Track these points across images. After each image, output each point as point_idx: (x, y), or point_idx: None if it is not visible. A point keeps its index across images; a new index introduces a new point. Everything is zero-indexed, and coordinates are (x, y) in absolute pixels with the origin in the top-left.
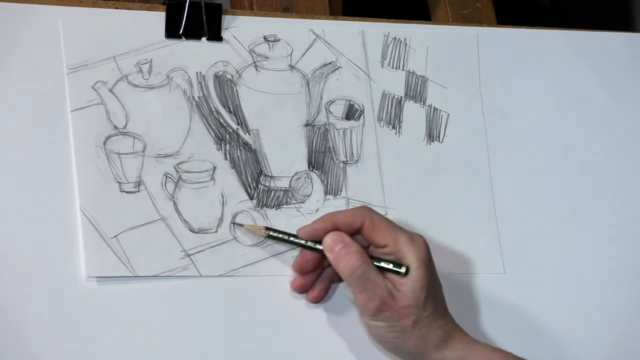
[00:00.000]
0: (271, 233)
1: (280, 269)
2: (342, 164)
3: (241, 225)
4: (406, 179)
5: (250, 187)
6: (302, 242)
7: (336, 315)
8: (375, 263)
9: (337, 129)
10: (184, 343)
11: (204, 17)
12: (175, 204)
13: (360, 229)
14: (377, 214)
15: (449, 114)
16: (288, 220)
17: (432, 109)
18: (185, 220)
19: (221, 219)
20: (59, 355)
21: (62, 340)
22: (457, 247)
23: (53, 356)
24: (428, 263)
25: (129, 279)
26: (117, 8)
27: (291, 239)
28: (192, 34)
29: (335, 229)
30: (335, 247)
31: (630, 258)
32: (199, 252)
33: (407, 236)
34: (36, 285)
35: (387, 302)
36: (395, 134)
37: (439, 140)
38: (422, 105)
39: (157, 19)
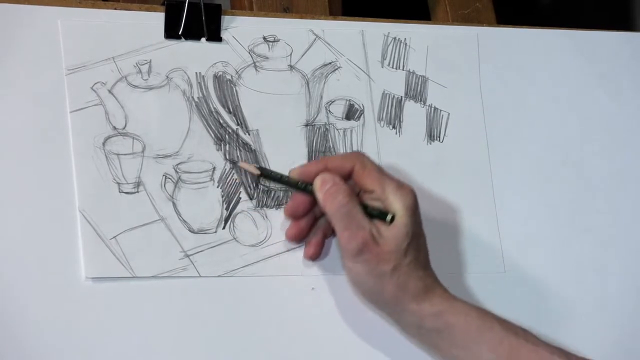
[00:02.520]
0: (265, 171)
1: (280, 269)
2: None
3: (236, 162)
4: (406, 178)
5: (250, 187)
6: (295, 182)
7: (337, 316)
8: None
9: (337, 129)
10: (183, 343)
11: (204, 18)
12: (174, 204)
13: (351, 173)
14: (369, 159)
15: (449, 114)
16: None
17: (433, 108)
18: (184, 221)
19: (221, 220)
20: (57, 356)
21: (61, 341)
22: (458, 247)
23: (52, 356)
24: (414, 212)
25: (128, 279)
26: (116, 9)
27: (284, 178)
28: (192, 34)
29: (327, 171)
30: (324, 186)
31: (630, 258)
32: (198, 252)
33: (396, 184)
34: (35, 285)
35: (368, 245)
36: (396, 133)
37: (439, 140)
38: (422, 105)
39: (156, 19)
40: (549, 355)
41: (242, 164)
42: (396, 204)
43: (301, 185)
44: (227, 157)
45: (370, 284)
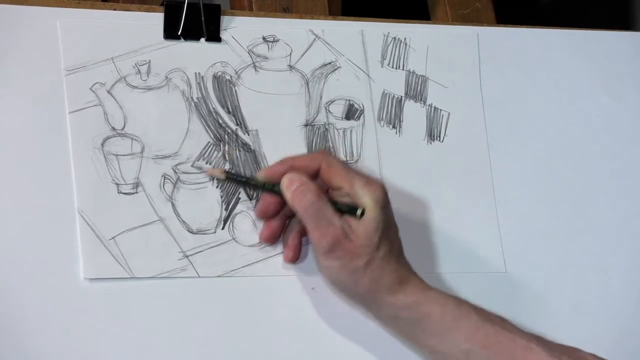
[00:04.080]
0: (230, 175)
1: (280, 269)
2: None
3: (200, 168)
4: (406, 178)
5: (249, 187)
6: (261, 184)
7: (336, 316)
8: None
9: (337, 129)
10: (183, 344)
11: (203, 18)
12: (173, 205)
13: (318, 171)
14: (335, 157)
15: (449, 114)
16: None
17: (433, 108)
18: (183, 221)
19: (220, 220)
20: (56, 356)
21: (60, 342)
22: (458, 246)
23: (51, 357)
24: (383, 206)
25: (127, 280)
26: (115, 9)
27: (250, 181)
28: (191, 34)
29: (293, 170)
30: (291, 186)
31: (631, 257)
32: (197, 253)
33: (364, 180)
34: (34, 286)
35: (340, 241)
36: (396, 133)
37: (439, 140)
38: (422, 105)
39: (156, 20)
40: (526, 343)
41: (209, 171)
42: (365, 199)
43: (268, 186)
44: (226, 157)
45: (345, 280)
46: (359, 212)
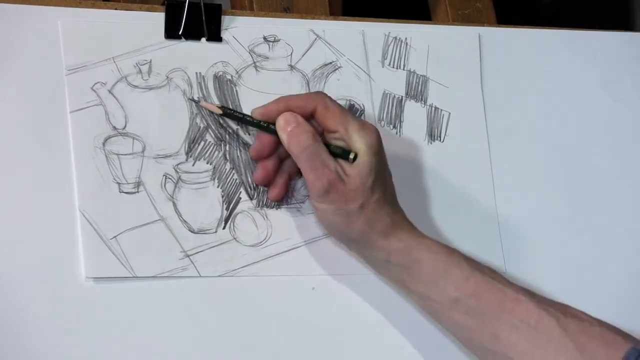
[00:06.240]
0: (227, 110)
1: (280, 269)
2: None
3: (197, 101)
4: (407, 178)
5: (250, 187)
6: (258, 122)
7: (337, 315)
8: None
9: None
10: (183, 343)
11: (204, 18)
12: (174, 204)
13: (314, 113)
14: (332, 100)
15: (450, 114)
16: (289, 220)
17: (433, 108)
18: (184, 221)
19: (221, 220)
20: (58, 356)
21: (61, 341)
22: (459, 246)
23: (52, 356)
24: (377, 150)
25: (128, 279)
26: (116, 9)
27: (246, 117)
28: (192, 34)
29: (289, 110)
30: (287, 127)
31: (631, 257)
32: (198, 252)
33: (359, 124)
34: (35, 286)
35: (334, 184)
36: (396, 133)
37: (440, 140)
38: (423, 105)
39: (157, 19)
40: (515, 294)
41: (203, 103)
42: (358, 143)
43: (264, 125)
44: (227, 157)
45: (338, 222)
46: (351, 155)
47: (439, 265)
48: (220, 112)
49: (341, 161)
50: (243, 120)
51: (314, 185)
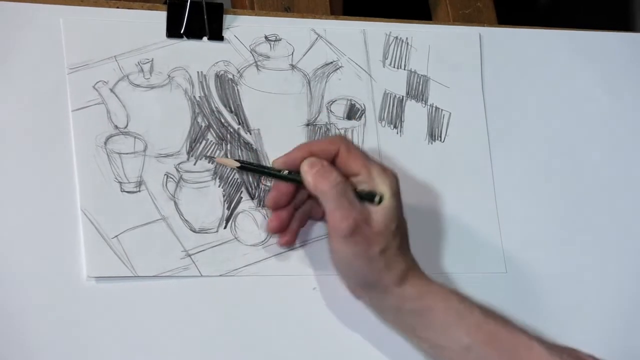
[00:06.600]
0: (244, 165)
1: (281, 269)
2: None
3: (213, 158)
4: (407, 178)
5: (251, 186)
6: (278, 172)
7: (337, 316)
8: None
9: (338, 129)
10: (184, 343)
11: (205, 17)
12: (176, 203)
13: (336, 156)
14: (353, 143)
15: (450, 114)
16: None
17: (434, 108)
18: (186, 220)
19: (222, 219)
20: (59, 355)
21: (63, 340)
22: (459, 247)
23: (53, 356)
24: (398, 196)
25: (130, 278)
26: (118, 7)
27: (266, 170)
28: (194, 33)
29: (312, 155)
30: (313, 168)
31: (631, 258)
32: (199, 252)
33: (380, 167)
34: (37, 285)
35: (360, 226)
36: (397, 133)
37: (440, 140)
38: (423, 105)
39: (159, 18)
40: (527, 341)
41: (219, 160)
42: (382, 187)
43: (285, 175)
44: (229, 156)
45: (357, 266)
46: (377, 198)
47: (451, 312)
48: (237, 165)
49: (365, 204)
50: (263, 172)
51: (339, 224)
